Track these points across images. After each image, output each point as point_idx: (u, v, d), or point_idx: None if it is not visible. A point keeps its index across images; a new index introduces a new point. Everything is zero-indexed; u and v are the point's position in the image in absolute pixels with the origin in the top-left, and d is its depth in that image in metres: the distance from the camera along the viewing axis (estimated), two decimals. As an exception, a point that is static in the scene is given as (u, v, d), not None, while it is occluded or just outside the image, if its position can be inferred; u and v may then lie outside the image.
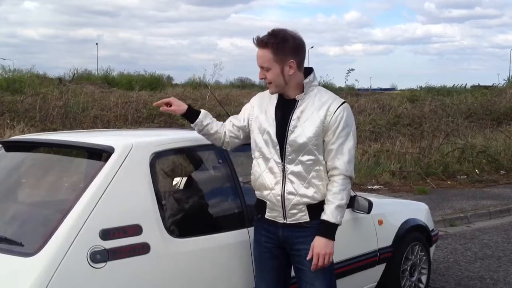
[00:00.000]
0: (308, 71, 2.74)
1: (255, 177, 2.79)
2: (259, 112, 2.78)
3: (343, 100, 2.70)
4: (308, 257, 2.65)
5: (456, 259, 5.74)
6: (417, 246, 4.28)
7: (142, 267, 2.54)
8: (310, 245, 2.68)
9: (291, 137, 2.65)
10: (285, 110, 2.71)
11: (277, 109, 2.73)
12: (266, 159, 2.73)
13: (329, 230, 2.64)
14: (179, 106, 2.83)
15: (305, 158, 2.66)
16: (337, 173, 2.65)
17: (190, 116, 2.84)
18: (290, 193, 2.67)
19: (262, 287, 2.86)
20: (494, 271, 5.34)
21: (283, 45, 2.63)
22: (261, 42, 2.64)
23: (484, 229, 7.22)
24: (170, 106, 2.83)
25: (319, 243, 2.63)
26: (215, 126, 2.86)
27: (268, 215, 2.77)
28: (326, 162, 2.68)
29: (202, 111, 2.86)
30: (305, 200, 2.68)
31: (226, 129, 2.88)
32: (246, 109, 2.87)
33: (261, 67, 2.67)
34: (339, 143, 2.64)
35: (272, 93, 2.73)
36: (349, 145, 2.66)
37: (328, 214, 2.63)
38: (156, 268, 2.58)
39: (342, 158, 2.64)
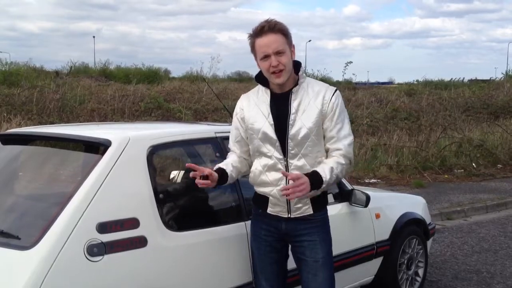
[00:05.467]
0: (297, 63, 2.72)
1: (255, 175, 2.75)
2: (249, 111, 2.74)
3: (335, 88, 2.72)
4: (289, 177, 2.53)
5: (453, 253, 5.76)
6: (414, 239, 4.29)
7: (139, 261, 2.53)
8: (313, 237, 2.70)
9: (292, 131, 2.63)
10: (279, 105, 2.68)
11: (271, 105, 2.70)
12: (267, 157, 2.69)
13: (316, 179, 2.55)
14: (212, 175, 2.60)
15: (308, 150, 2.64)
16: (338, 153, 2.65)
17: (221, 178, 2.68)
18: None
19: (262, 280, 2.85)
20: (490, 264, 5.36)
21: (287, 30, 2.66)
22: (274, 27, 2.60)
23: (481, 223, 7.24)
24: (206, 178, 2.59)
25: (306, 178, 2.52)
26: (238, 164, 2.76)
27: (270, 210, 2.75)
28: (326, 148, 2.68)
29: (225, 168, 2.70)
30: (310, 193, 2.67)
31: (238, 155, 2.80)
32: (236, 115, 2.80)
33: (277, 53, 2.59)
34: (338, 128, 2.65)
35: (282, 82, 2.63)
36: (347, 129, 2.69)
37: (321, 169, 2.57)
38: (153, 262, 2.58)
39: (343, 141, 2.66)
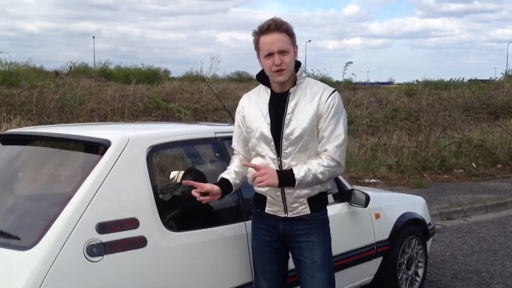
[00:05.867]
0: (297, 63, 2.72)
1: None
2: (249, 110, 2.75)
3: (334, 89, 2.71)
4: (255, 173, 2.61)
5: (453, 253, 5.76)
6: (414, 239, 4.30)
7: (139, 261, 2.53)
8: (311, 237, 2.70)
9: (286, 131, 2.63)
10: (277, 105, 2.68)
11: (270, 105, 2.70)
12: (261, 157, 2.70)
13: (286, 176, 2.60)
14: (213, 189, 2.67)
15: (302, 150, 2.64)
16: (325, 154, 2.63)
17: (225, 189, 2.75)
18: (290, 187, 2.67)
19: (262, 280, 2.85)
20: (490, 264, 5.36)
21: (292, 30, 2.66)
22: (280, 26, 2.61)
23: (481, 223, 7.25)
24: (206, 194, 2.66)
25: (271, 170, 2.60)
26: (241, 169, 2.79)
27: (268, 209, 2.76)
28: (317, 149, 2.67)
29: (227, 178, 2.74)
30: (306, 192, 2.67)
31: (241, 156, 2.82)
32: (238, 114, 2.81)
33: (281, 52, 2.59)
34: (330, 129, 2.63)
35: (282, 81, 2.64)
36: (339, 131, 2.64)
37: (297, 169, 2.60)
38: (152, 262, 2.58)
39: (333, 143, 2.63)
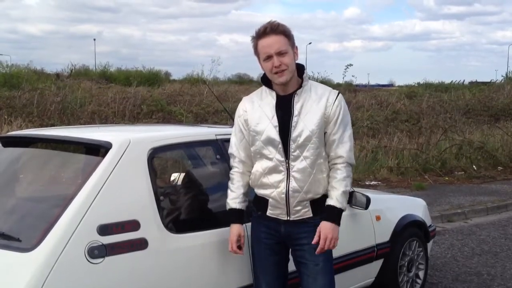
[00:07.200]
0: (301, 67, 2.74)
1: (256, 177, 2.76)
2: (253, 113, 2.74)
3: (337, 91, 2.74)
4: (314, 241, 2.66)
5: (454, 255, 5.76)
6: (415, 241, 4.29)
7: (140, 263, 2.54)
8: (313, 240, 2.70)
9: (294, 133, 2.64)
10: (282, 107, 2.69)
11: (277, 107, 2.70)
12: (268, 159, 2.70)
13: (335, 215, 2.68)
14: (241, 236, 2.79)
15: (309, 153, 2.65)
16: (341, 161, 2.69)
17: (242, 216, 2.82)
18: (295, 190, 2.67)
19: (263, 283, 2.85)
20: (491, 266, 5.35)
21: (290, 31, 2.69)
22: (276, 28, 2.64)
23: (482, 225, 7.24)
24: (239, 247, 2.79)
25: (325, 227, 2.66)
26: (245, 189, 2.83)
27: (270, 212, 2.76)
28: (327, 153, 2.70)
29: (242, 209, 2.80)
30: (310, 196, 2.68)
31: (241, 168, 2.81)
32: (239, 118, 2.80)
33: (279, 53, 2.61)
34: (341, 132, 2.68)
35: (284, 82, 2.65)
36: (348, 133, 2.72)
37: (335, 200, 2.67)
38: (153, 264, 2.58)
39: (345, 147, 2.69)
